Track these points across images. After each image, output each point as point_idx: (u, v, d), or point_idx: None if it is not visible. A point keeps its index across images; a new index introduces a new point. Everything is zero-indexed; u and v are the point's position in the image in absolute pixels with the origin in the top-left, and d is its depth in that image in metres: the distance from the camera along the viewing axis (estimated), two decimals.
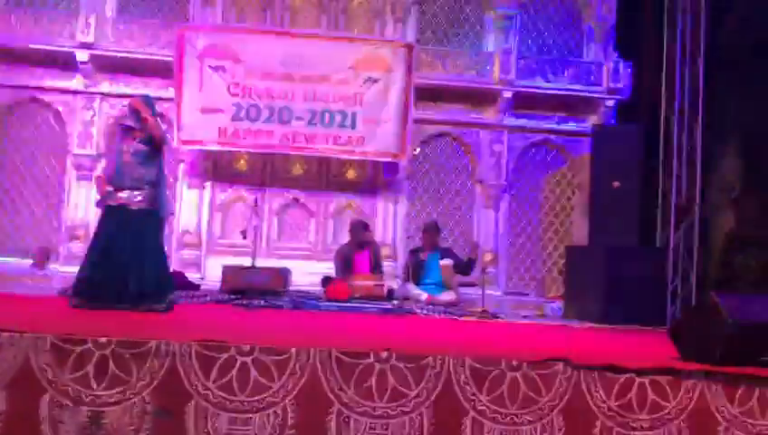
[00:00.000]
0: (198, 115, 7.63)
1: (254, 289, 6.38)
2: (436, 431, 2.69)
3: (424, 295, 6.75)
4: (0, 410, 2.54)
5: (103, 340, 2.63)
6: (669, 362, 3.02)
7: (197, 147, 7.79)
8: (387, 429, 2.67)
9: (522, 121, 8.40)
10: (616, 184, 7.26)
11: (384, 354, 2.72)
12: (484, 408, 2.73)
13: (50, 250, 7.74)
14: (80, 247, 7.15)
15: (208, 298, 6.24)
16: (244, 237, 6.97)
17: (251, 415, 2.63)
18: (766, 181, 7.42)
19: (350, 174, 8.24)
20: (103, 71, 7.88)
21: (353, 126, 7.77)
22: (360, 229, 7.25)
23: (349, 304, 6.32)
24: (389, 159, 7.95)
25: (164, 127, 5.31)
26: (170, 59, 7.64)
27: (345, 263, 7.12)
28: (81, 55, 7.70)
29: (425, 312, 6.25)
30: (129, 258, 4.49)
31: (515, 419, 2.74)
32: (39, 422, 2.55)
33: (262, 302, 6.06)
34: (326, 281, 6.91)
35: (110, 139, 4.79)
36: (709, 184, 7.90)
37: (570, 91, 8.29)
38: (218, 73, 7.65)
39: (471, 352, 2.85)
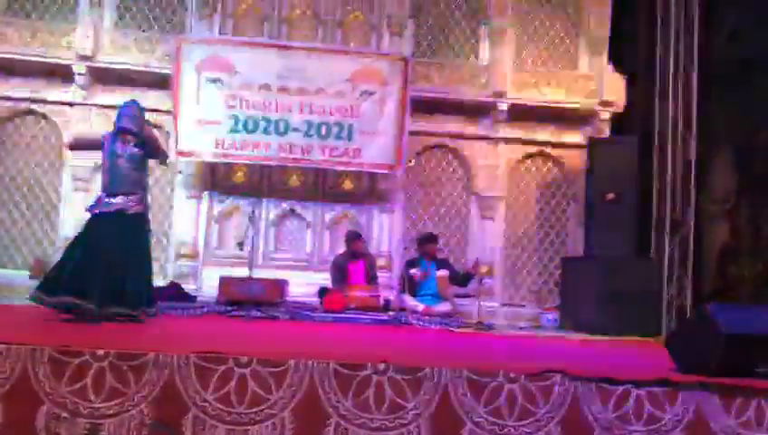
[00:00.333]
0: (196, 127, 7.65)
1: (250, 300, 6.39)
2: None
3: (420, 306, 6.77)
4: None
5: (101, 352, 2.64)
6: (666, 373, 3.03)
7: (195, 158, 7.80)
8: None
9: (517, 133, 8.43)
10: (610, 196, 7.31)
11: (381, 366, 2.73)
12: (481, 419, 2.74)
13: (46, 262, 7.70)
14: None
15: (205, 309, 6.25)
16: (241, 248, 6.97)
17: (249, 427, 2.64)
18: (760, 193, 7.46)
19: (347, 185, 8.26)
20: (100, 83, 7.88)
21: (349, 138, 7.81)
22: (355, 240, 7.28)
23: (345, 315, 6.34)
24: (385, 171, 7.99)
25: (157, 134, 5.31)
26: (167, 71, 7.67)
27: (340, 273, 7.14)
28: (79, 67, 7.72)
29: (421, 323, 6.26)
30: (120, 261, 4.44)
31: (513, 430, 2.75)
32: (36, 434, 2.54)
33: (259, 313, 6.07)
34: (322, 292, 6.93)
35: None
36: (703, 195, 7.95)
37: (564, 104, 8.34)
38: (215, 85, 7.68)
39: (468, 364, 2.86)
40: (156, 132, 4.93)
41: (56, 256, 7.60)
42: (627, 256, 7.16)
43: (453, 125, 8.40)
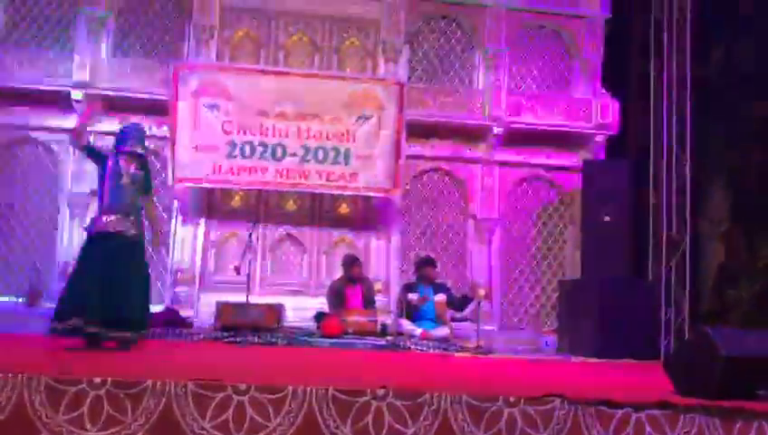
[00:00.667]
0: (193, 153, 7.68)
1: (247, 325, 6.36)
2: None
3: (418, 331, 6.73)
4: None
5: (98, 380, 2.62)
6: (666, 395, 3.02)
7: (192, 184, 7.82)
8: None
9: (512, 156, 8.49)
10: (606, 218, 7.33)
11: (381, 392, 2.71)
12: None
13: (41, 290, 7.66)
14: None
15: (201, 336, 6.21)
16: (238, 273, 6.97)
17: None
18: (754, 214, 7.51)
19: (343, 209, 8.28)
20: (98, 109, 7.92)
21: (346, 162, 7.85)
22: (352, 264, 7.27)
23: (342, 340, 6.30)
24: (382, 195, 8.01)
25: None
26: (165, 97, 7.71)
27: (337, 298, 7.12)
28: (77, 94, 7.76)
29: (419, 347, 6.22)
30: (120, 283, 4.42)
31: None
32: None
33: (256, 338, 6.03)
34: (319, 317, 6.90)
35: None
36: (699, 216, 7.99)
37: (559, 127, 8.40)
38: (213, 111, 7.73)
39: (468, 389, 2.84)
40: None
41: (53, 284, 7.62)
42: (624, 278, 7.16)
43: (449, 149, 8.45)
